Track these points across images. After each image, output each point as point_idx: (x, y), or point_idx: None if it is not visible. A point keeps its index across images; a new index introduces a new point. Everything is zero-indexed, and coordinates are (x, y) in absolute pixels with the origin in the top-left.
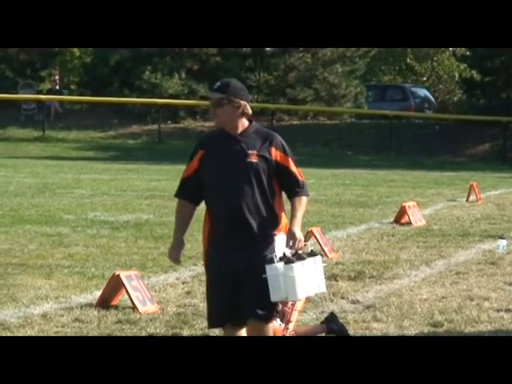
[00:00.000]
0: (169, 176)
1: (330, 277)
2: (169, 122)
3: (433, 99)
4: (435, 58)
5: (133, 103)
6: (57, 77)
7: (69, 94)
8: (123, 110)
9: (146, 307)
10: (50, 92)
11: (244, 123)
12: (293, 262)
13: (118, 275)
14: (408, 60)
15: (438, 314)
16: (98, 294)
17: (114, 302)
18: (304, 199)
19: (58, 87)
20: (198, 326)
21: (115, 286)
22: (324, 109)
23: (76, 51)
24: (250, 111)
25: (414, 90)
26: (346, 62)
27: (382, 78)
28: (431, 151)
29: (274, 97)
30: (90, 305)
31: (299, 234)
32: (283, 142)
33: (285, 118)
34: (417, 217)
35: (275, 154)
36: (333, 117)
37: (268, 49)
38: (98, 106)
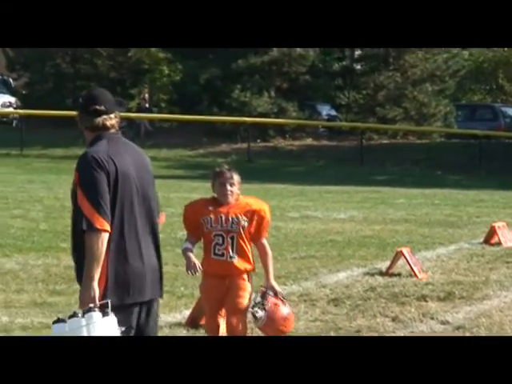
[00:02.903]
0: (258, 195)
1: (420, 297)
2: (258, 140)
3: None
4: None
5: (222, 122)
6: (146, 95)
7: (158, 112)
8: (212, 128)
9: None
10: (139, 110)
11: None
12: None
13: None
14: (499, 80)
15: None
16: (187, 313)
17: (203, 321)
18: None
19: (147, 105)
20: None
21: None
22: (413, 128)
23: (165, 69)
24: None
25: (504, 109)
26: (436, 81)
27: (471, 97)
28: None
29: (364, 116)
30: (179, 324)
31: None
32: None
33: (374, 137)
34: (507, 237)
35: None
36: (422, 136)
37: (358, 67)
38: (188, 124)
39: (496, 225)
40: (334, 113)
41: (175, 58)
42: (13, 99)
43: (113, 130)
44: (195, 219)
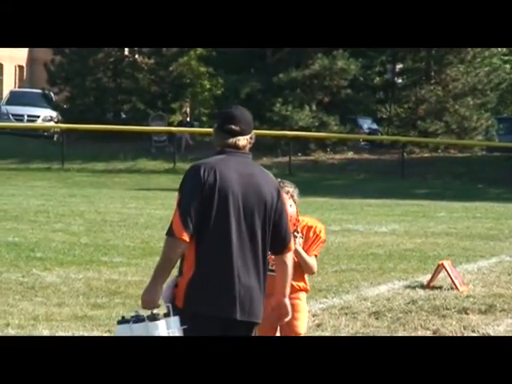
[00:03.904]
0: (299, 208)
1: (461, 310)
2: (299, 154)
3: None
4: None
5: (263, 135)
6: (187, 109)
7: (199, 126)
8: (254, 142)
9: None
10: (180, 124)
11: None
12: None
13: None
14: None
15: None
16: None
17: None
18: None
19: (188, 119)
20: None
21: None
22: (455, 141)
23: (206, 83)
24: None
25: None
26: (477, 95)
27: None
28: None
29: (405, 129)
30: None
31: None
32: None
33: (415, 151)
34: None
35: None
36: (463, 149)
37: (399, 81)
38: None
39: None
40: (375, 126)
41: (216, 72)
42: (54, 113)
43: (243, 151)
44: None
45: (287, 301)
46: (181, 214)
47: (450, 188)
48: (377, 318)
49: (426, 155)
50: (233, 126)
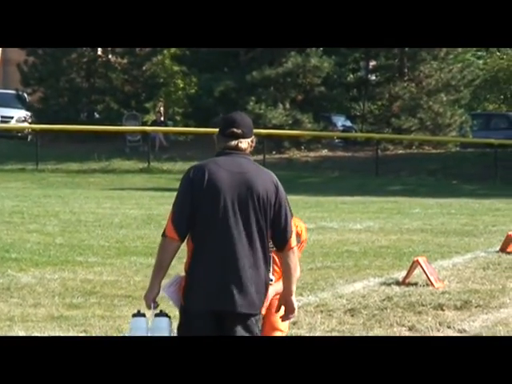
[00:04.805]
0: None
1: (437, 306)
2: (273, 152)
3: None
4: None
5: None
6: (161, 108)
7: (173, 126)
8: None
9: None
10: (154, 123)
11: None
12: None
13: None
14: None
15: None
16: None
17: None
18: None
19: (162, 119)
20: None
21: None
22: (429, 138)
23: (180, 82)
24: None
25: None
26: (451, 91)
27: (487, 106)
28: None
29: (379, 126)
30: None
31: None
32: None
33: (390, 148)
34: None
35: None
36: (438, 146)
37: (373, 78)
38: (203, 136)
39: None
40: (349, 124)
41: (190, 70)
42: (28, 114)
43: (243, 152)
44: None
45: (294, 299)
46: (173, 215)
47: (425, 184)
48: (352, 315)
49: (401, 152)
50: (234, 129)
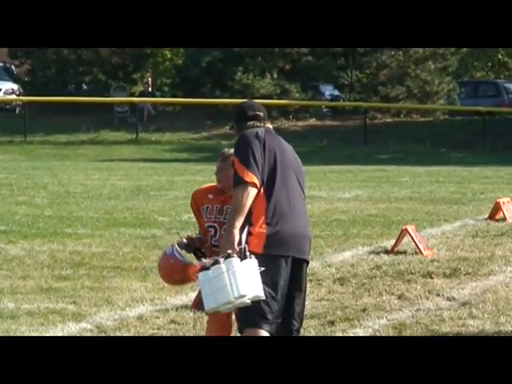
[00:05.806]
0: None
1: (426, 274)
2: None
3: None
4: None
5: (225, 104)
6: (149, 79)
7: (161, 96)
8: (215, 111)
9: None
10: (142, 94)
11: None
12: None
13: None
14: (499, 56)
15: None
16: (193, 295)
17: None
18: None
19: (150, 89)
20: None
21: None
22: (417, 106)
23: (167, 53)
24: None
25: (507, 85)
26: (438, 59)
27: (474, 74)
28: None
29: (367, 95)
30: (186, 306)
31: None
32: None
33: (378, 116)
34: (511, 212)
35: None
36: (426, 114)
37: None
38: (191, 107)
39: (500, 200)
40: (336, 93)
41: None
42: (15, 86)
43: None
44: (196, 208)
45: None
46: (245, 164)
47: (413, 153)
48: (341, 284)
49: (389, 120)
50: (257, 112)
